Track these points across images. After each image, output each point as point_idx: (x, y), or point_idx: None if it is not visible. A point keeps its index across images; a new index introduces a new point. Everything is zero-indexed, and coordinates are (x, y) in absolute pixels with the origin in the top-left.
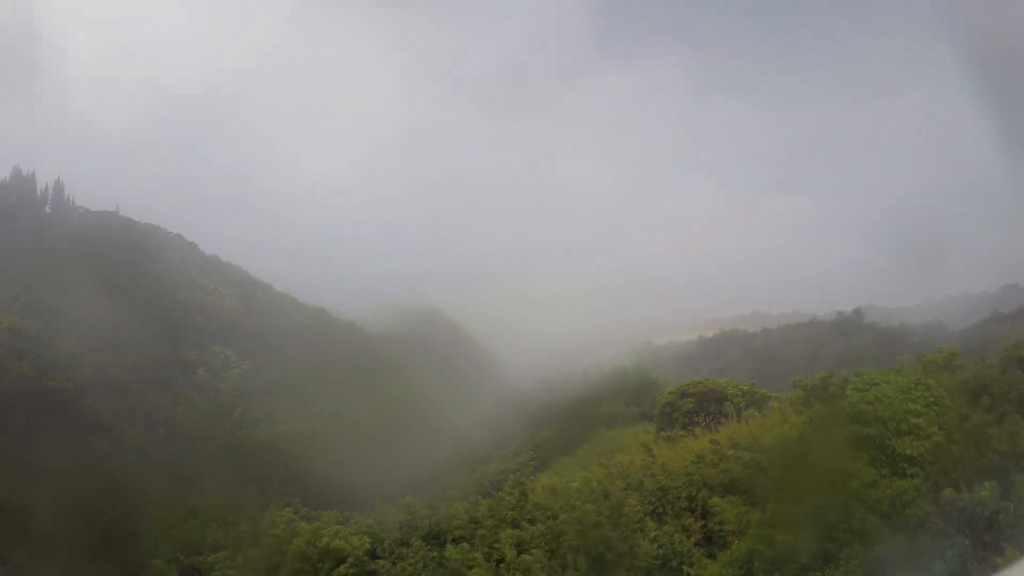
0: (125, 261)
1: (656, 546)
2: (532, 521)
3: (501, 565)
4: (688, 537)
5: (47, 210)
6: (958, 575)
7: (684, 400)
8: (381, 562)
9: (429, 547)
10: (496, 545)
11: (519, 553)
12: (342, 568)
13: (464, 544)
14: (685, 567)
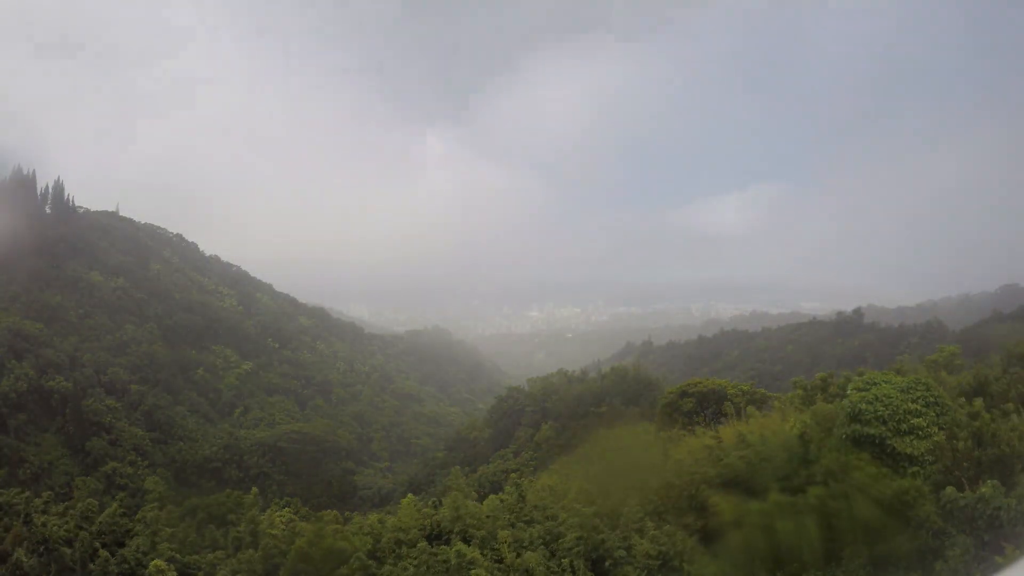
0: (125, 261)
1: (656, 545)
2: (530, 522)
3: (499, 565)
4: (689, 535)
5: (47, 210)
6: (959, 574)
7: (684, 400)
8: (383, 562)
9: (431, 547)
10: (495, 545)
11: (517, 554)
12: (344, 568)
13: (464, 544)
14: (686, 565)
